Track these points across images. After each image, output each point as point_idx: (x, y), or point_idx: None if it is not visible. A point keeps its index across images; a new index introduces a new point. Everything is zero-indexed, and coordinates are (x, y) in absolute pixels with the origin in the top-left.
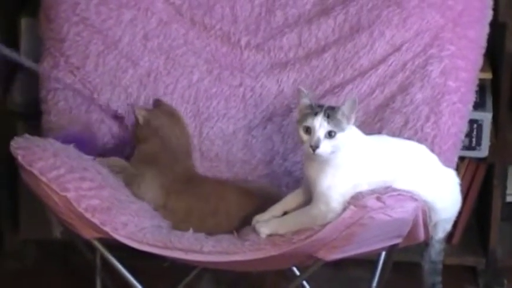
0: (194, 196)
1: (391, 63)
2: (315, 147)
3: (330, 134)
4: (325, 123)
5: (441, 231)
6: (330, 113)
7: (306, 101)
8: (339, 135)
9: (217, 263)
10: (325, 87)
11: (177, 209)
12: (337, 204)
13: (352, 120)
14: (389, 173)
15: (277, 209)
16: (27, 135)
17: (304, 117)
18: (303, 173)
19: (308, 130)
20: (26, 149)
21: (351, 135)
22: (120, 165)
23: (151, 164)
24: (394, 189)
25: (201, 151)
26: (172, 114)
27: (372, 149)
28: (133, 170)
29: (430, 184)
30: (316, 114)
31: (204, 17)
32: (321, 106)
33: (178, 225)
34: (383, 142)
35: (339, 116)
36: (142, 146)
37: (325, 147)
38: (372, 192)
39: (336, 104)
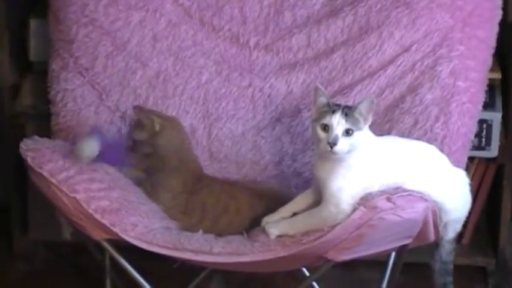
0: (206, 195)
1: (400, 63)
2: (332, 144)
3: (348, 132)
4: (343, 121)
5: (451, 232)
6: (348, 111)
7: (323, 99)
8: (357, 134)
9: (227, 264)
10: (334, 88)
11: (194, 210)
12: (347, 206)
13: (369, 120)
14: (400, 174)
15: (286, 210)
16: (36, 137)
17: (321, 115)
18: (313, 173)
19: (326, 128)
20: (35, 151)
21: (367, 134)
22: (136, 177)
23: (161, 168)
24: (404, 190)
25: (211, 152)
26: (167, 118)
27: (382, 150)
28: (149, 179)
29: (440, 184)
30: (334, 112)
31: (213, 18)
32: (338, 105)
33: (193, 227)
34: (393, 143)
35: (357, 114)
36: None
37: (342, 144)
38: (382, 193)
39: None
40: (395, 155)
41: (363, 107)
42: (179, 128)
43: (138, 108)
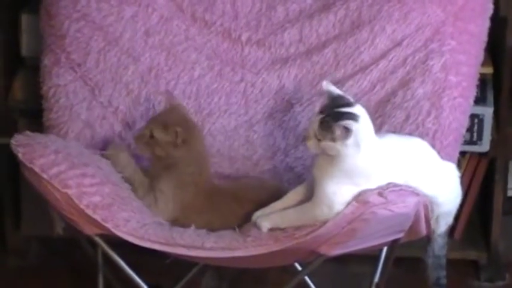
0: (214, 214)
1: (392, 58)
2: (303, 138)
3: (318, 138)
4: (316, 126)
5: (443, 225)
6: (328, 121)
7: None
8: (325, 143)
9: (219, 259)
10: None
11: (193, 223)
12: (340, 207)
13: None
14: (395, 175)
15: (278, 205)
16: (27, 132)
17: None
18: (311, 171)
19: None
20: (26, 146)
21: (349, 146)
22: (137, 180)
23: (173, 176)
24: (396, 185)
25: None
26: (191, 130)
27: (379, 153)
28: (150, 185)
29: (431, 178)
30: (319, 112)
31: (205, 13)
32: (332, 108)
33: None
34: (385, 142)
35: (333, 129)
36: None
37: (312, 145)
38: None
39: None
40: (390, 157)
41: (338, 129)
42: (200, 140)
43: (169, 100)
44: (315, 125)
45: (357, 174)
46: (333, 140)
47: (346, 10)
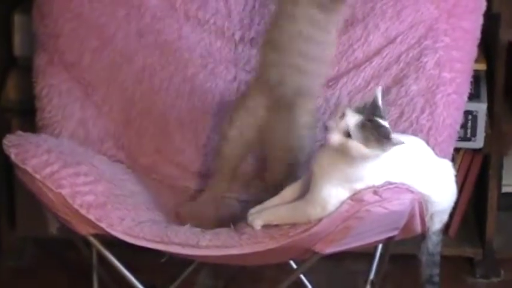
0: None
1: (386, 55)
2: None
3: (347, 135)
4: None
5: (438, 223)
6: (383, 130)
7: None
8: (355, 144)
9: (215, 257)
10: None
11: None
12: (334, 208)
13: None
14: (390, 175)
15: (274, 202)
16: (20, 132)
17: None
18: (309, 166)
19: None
20: (18, 147)
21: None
22: None
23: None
24: (391, 182)
25: (197, 146)
26: None
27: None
28: None
29: (426, 176)
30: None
31: (198, 11)
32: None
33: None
34: None
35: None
36: None
37: (336, 139)
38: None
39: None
40: (387, 157)
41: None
42: None
43: None
44: (350, 121)
45: (357, 179)
46: (368, 144)
47: None
